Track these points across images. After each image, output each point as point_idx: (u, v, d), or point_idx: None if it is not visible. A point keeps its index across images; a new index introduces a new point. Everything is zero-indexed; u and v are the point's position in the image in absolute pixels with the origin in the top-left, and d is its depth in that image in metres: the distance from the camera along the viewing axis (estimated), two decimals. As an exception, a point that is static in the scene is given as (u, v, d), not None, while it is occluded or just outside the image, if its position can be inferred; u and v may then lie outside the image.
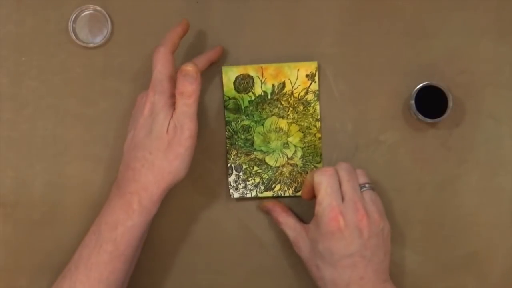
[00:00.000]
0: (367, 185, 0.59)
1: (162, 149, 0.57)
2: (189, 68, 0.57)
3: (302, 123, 0.67)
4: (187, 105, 0.57)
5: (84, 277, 0.57)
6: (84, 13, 0.68)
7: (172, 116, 0.58)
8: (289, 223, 0.62)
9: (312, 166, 0.67)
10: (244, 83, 0.67)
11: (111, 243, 0.57)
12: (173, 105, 0.58)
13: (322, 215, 0.57)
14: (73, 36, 0.68)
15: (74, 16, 0.68)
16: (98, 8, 0.68)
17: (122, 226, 0.57)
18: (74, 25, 0.68)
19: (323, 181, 0.58)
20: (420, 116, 0.64)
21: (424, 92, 0.64)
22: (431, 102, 0.64)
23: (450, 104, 0.63)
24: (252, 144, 0.67)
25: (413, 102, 0.64)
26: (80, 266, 0.57)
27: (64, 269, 0.59)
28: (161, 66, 0.59)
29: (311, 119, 0.67)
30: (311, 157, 0.67)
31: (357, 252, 0.56)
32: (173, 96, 0.58)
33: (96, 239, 0.57)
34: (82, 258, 0.58)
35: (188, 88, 0.57)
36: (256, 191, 0.67)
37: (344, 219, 0.56)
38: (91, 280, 0.57)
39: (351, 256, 0.56)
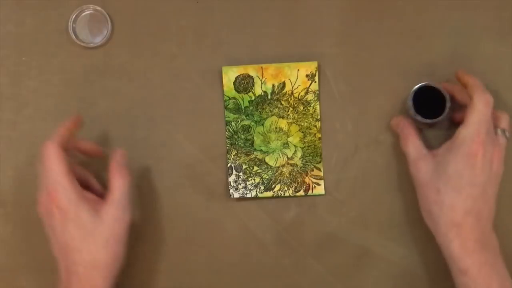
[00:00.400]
0: (507, 133, 0.61)
1: (101, 244, 0.57)
2: (120, 153, 0.61)
3: (302, 123, 0.67)
4: (124, 192, 0.59)
5: None
6: (84, 13, 0.68)
7: (108, 203, 0.58)
8: (415, 142, 0.63)
9: (312, 166, 0.67)
10: (244, 83, 0.67)
11: None
12: (86, 196, 0.58)
13: (466, 136, 0.58)
14: (73, 36, 0.68)
15: (74, 16, 0.68)
16: (98, 8, 0.68)
17: None
18: (74, 25, 0.68)
19: (483, 109, 0.58)
20: (419, 117, 0.63)
21: (424, 92, 0.64)
22: (431, 102, 0.64)
23: (448, 104, 0.63)
24: (252, 144, 0.67)
25: (410, 102, 0.63)
26: None
27: None
28: (54, 164, 0.57)
29: (311, 119, 0.67)
30: (311, 157, 0.67)
31: (483, 185, 0.58)
32: (81, 190, 0.58)
33: None
34: None
35: (124, 176, 0.59)
36: (256, 191, 0.67)
37: (485, 149, 0.57)
38: None
39: (477, 186, 0.58)
